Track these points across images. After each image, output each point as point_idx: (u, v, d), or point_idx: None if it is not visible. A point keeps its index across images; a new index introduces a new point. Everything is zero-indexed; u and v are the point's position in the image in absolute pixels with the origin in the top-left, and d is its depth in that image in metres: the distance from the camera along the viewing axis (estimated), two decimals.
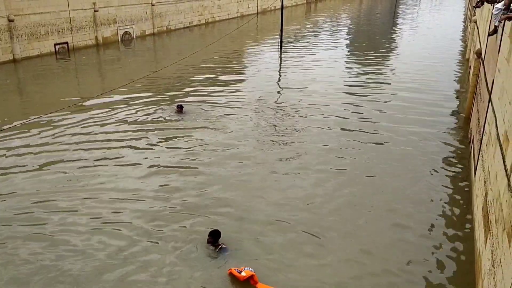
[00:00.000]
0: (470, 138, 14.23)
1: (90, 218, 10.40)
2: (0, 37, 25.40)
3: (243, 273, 8.24)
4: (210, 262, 8.93)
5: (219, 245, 9.24)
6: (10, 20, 25.55)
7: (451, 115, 17.74)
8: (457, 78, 23.56)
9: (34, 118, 15.77)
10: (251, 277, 8.22)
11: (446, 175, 12.63)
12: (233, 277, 8.38)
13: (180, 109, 17.48)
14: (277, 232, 9.95)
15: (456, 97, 20.15)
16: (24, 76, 24.25)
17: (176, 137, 15.13)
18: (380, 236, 9.80)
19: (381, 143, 14.77)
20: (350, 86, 21.89)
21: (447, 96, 20.17)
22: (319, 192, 11.69)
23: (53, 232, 9.84)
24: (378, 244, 9.52)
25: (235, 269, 8.41)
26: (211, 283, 8.42)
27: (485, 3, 18.22)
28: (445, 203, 11.21)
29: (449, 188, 11.95)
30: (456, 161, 13.55)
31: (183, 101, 18.75)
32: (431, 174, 12.70)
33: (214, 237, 9.32)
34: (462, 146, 14.61)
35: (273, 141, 14.99)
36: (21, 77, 24.16)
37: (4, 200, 11.12)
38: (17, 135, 15.04)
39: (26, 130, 15.37)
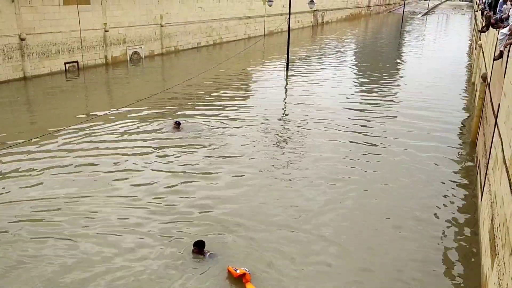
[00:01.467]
0: (477, 161, 14.21)
1: (90, 224, 10.76)
2: (11, 55, 25.85)
3: (238, 271, 8.69)
4: (204, 269, 9.10)
5: (206, 252, 9.42)
6: (22, 39, 26.01)
7: (457, 138, 17.72)
8: (463, 101, 23.60)
9: (43, 133, 16.02)
10: (243, 275, 8.60)
11: (452, 199, 12.58)
12: (229, 273, 8.76)
13: (177, 125, 17.62)
14: (279, 242, 10.13)
15: (462, 121, 20.15)
16: (34, 93, 24.56)
17: (174, 152, 15.34)
18: (385, 257, 9.75)
19: (386, 165, 14.75)
20: (355, 106, 21.94)
21: (453, 119, 20.18)
22: (323, 203, 11.92)
23: (58, 235, 10.17)
24: (383, 265, 9.46)
25: (232, 267, 8.83)
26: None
27: (491, 27, 18.41)
28: (451, 226, 11.15)
29: (455, 211, 11.88)
30: (462, 185, 13.50)
31: (186, 118, 18.93)
32: (437, 196, 12.64)
33: (200, 246, 9.48)
34: (469, 170, 14.56)
35: (276, 156, 15.11)
36: (31, 94, 24.44)
37: (14, 206, 11.55)
38: (26, 149, 15.19)
39: (36, 144, 15.60)
